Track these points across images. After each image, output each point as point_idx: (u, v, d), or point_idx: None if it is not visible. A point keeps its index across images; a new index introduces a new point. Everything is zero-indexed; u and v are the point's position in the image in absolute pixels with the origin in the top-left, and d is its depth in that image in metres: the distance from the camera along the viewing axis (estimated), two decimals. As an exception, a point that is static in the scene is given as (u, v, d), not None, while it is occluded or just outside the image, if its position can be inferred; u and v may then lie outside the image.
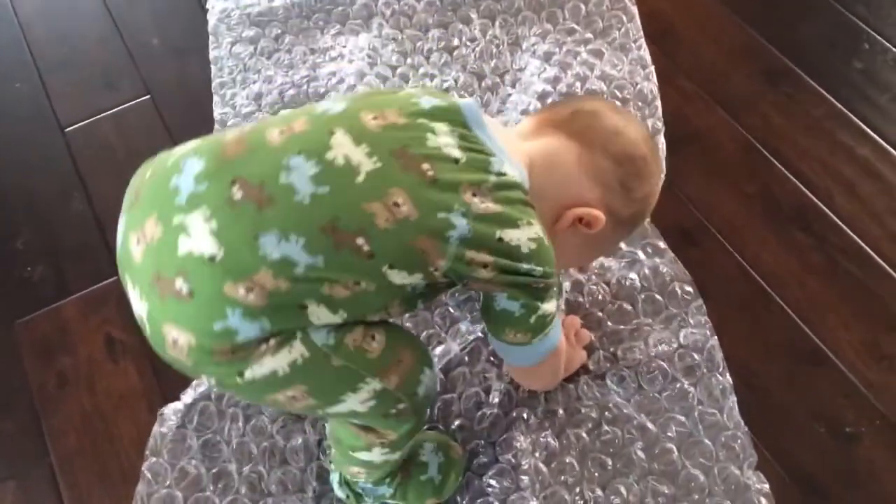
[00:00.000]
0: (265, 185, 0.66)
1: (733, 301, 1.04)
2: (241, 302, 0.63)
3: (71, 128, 1.31)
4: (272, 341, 0.65)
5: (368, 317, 0.70)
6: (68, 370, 1.05)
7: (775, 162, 1.16)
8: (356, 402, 0.70)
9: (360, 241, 0.66)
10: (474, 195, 0.69)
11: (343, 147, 0.68)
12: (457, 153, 0.71)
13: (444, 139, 0.71)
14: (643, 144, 0.83)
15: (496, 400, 0.94)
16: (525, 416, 0.93)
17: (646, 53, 1.29)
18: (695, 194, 1.14)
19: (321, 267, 0.65)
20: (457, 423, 0.94)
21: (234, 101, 1.29)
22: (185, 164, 0.69)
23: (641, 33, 1.32)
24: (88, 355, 1.06)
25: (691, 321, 1.00)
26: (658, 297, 1.02)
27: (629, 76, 1.25)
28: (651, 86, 1.24)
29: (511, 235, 0.71)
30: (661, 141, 1.18)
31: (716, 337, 0.98)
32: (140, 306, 0.68)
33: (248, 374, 0.66)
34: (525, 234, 0.71)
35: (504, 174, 0.72)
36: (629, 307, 1.01)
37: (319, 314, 0.66)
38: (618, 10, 1.34)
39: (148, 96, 1.34)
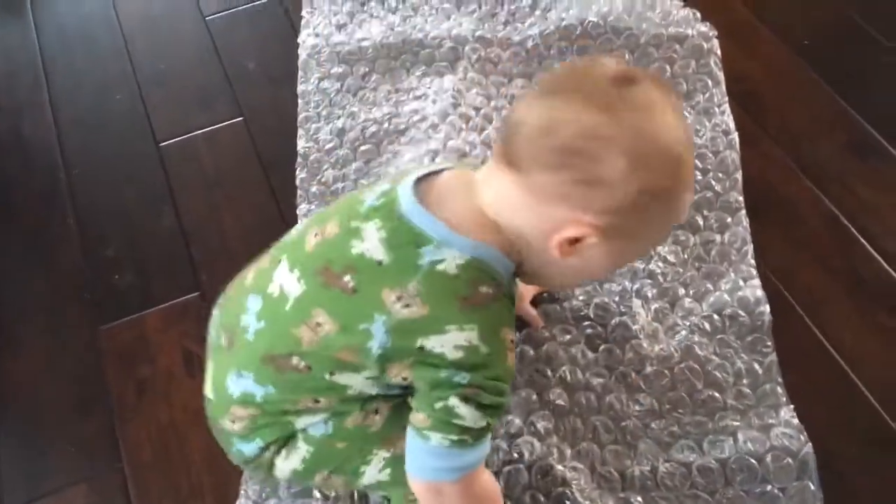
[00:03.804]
0: (234, 329, 0.76)
1: (810, 377, 1.01)
2: (233, 432, 0.77)
3: (165, 143, 1.36)
4: (272, 448, 0.76)
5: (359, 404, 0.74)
6: (147, 380, 1.08)
7: (861, 239, 1.15)
8: (374, 472, 0.75)
9: (294, 360, 0.71)
10: (398, 299, 0.66)
11: (281, 276, 0.73)
12: (380, 255, 0.68)
13: (370, 242, 0.69)
14: (581, 115, 0.65)
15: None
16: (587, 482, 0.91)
17: (730, 119, 1.28)
18: (775, 264, 1.12)
19: (274, 394, 0.73)
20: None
21: (318, 136, 1.33)
22: (213, 318, 0.83)
23: (726, 99, 1.31)
24: (167, 367, 1.09)
25: (783, 424, 0.95)
26: (748, 391, 0.98)
27: (711, 143, 1.24)
28: (734, 154, 1.23)
29: (434, 342, 0.66)
30: (744, 218, 1.15)
31: (810, 444, 0.93)
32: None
33: (278, 474, 0.78)
34: (452, 341, 0.66)
35: (440, 261, 0.66)
36: (718, 397, 0.98)
37: (304, 421, 0.74)
38: (703, 74, 1.34)
39: (241, 118, 1.39)
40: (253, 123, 1.38)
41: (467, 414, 0.67)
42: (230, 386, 0.75)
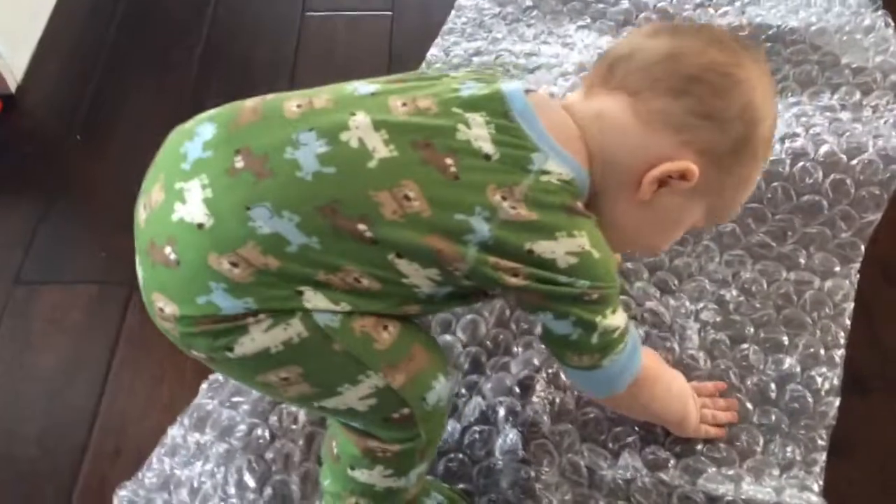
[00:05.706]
0: (268, 158, 0.62)
1: (883, 478, 0.84)
2: (224, 276, 0.60)
3: (311, 13, 1.36)
4: (262, 315, 0.61)
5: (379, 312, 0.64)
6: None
7: None
8: (354, 396, 0.64)
9: (361, 227, 0.61)
10: (504, 198, 0.62)
11: (360, 130, 0.63)
12: (489, 148, 0.63)
13: (477, 131, 0.64)
14: (709, 50, 0.67)
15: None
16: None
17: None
18: (889, 341, 0.93)
19: (317, 248, 0.60)
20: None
21: (450, 49, 1.28)
22: (198, 129, 0.65)
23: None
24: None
25: (803, 497, 0.80)
26: (775, 472, 0.83)
27: (861, 170, 1.03)
28: (883, 193, 1.01)
29: (544, 248, 0.63)
30: (855, 272, 0.96)
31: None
32: (138, 273, 0.66)
33: (238, 349, 0.62)
34: (563, 248, 0.63)
35: (546, 172, 0.64)
36: (735, 458, 0.83)
37: (316, 301, 0.61)
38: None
39: (390, 13, 1.36)
40: (399, 21, 1.35)
41: (617, 320, 0.67)
42: (256, 220, 0.60)
